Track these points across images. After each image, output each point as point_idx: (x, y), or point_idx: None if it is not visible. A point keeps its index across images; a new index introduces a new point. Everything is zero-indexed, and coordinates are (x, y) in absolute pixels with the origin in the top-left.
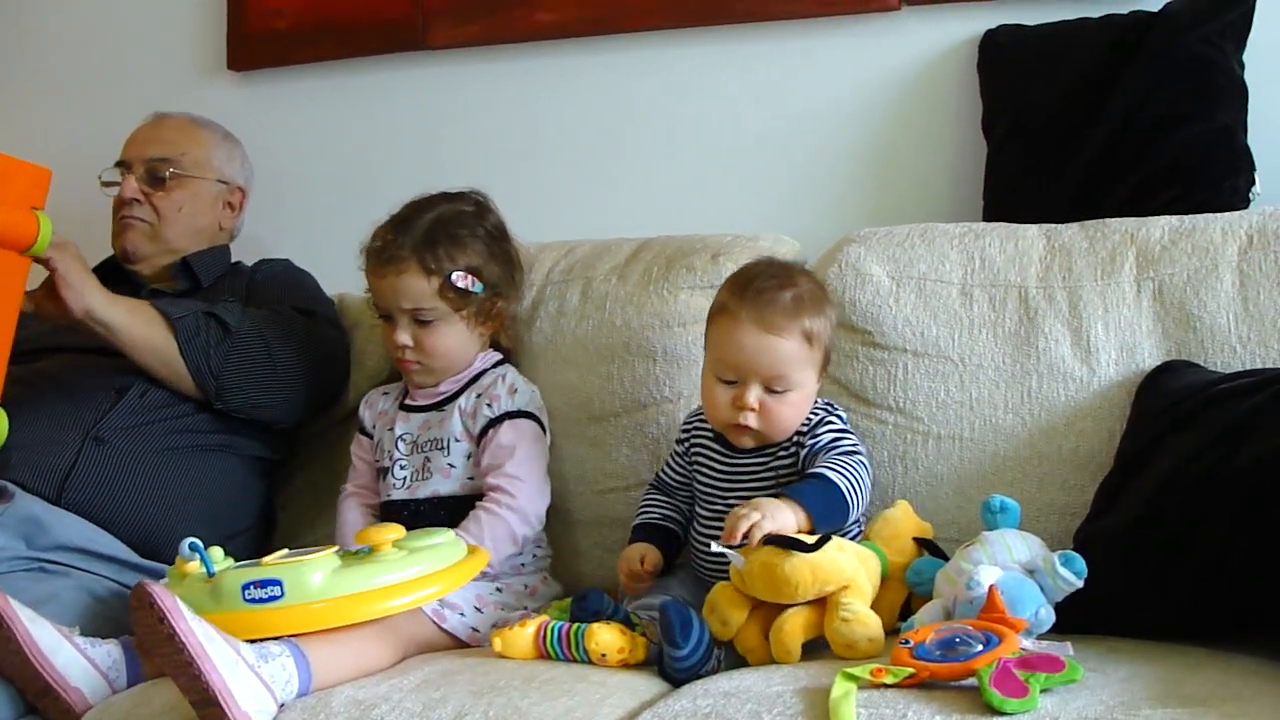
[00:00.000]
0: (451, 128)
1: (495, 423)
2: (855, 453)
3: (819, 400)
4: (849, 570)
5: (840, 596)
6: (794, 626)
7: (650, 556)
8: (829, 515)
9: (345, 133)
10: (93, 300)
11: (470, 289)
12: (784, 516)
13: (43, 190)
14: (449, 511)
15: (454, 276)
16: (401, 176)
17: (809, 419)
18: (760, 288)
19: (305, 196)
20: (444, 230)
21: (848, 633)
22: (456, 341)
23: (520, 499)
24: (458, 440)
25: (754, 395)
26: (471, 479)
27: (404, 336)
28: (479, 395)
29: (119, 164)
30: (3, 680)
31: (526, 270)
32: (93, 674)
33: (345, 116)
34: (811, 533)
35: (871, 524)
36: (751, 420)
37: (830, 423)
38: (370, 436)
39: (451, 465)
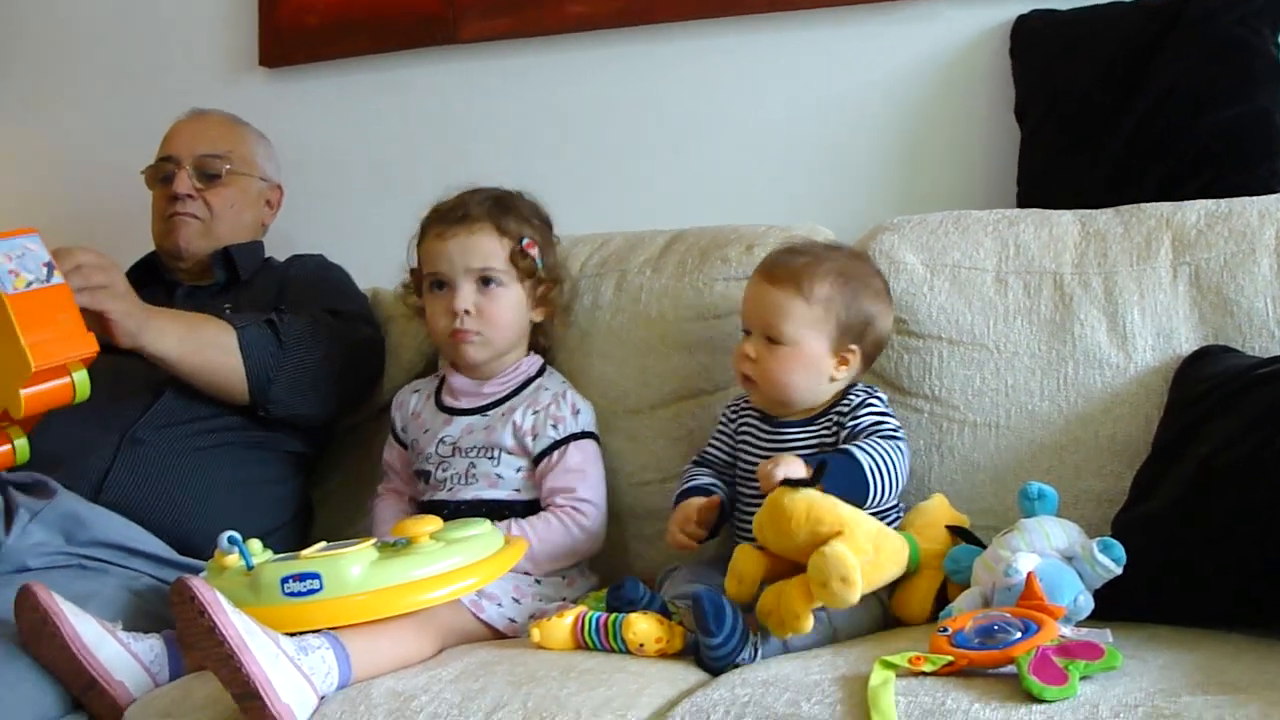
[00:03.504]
0: (482, 121)
1: (562, 444)
2: (893, 438)
3: (860, 384)
4: (845, 514)
5: (830, 538)
6: (794, 586)
7: (708, 504)
8: (844, 487)
9: (377, 127)
10: (144, 339)
11: (536, 259)
12: (797, 468)
13: (88, 361)
14: (490, 513)
15: (524, 241)
16: (433, 171)
17: (849, 399)
18: (787, 249)
19: (337, 192)
20: (511, 203)
21: (821, 566)
22: (516, 315)
23: (590, 521)
24: (510, 453)
25: (751, 345)
26: (518, 490)
27: (466, 301)
28: (536, 412)
29: (165, 159)
30: (49, 675)
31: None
32: (136, 668)
33: (376, 111)
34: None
35: (906, 515)
36: (749, 370)
37: (871, 405)
38: (404, 444)
39: (500, 476)
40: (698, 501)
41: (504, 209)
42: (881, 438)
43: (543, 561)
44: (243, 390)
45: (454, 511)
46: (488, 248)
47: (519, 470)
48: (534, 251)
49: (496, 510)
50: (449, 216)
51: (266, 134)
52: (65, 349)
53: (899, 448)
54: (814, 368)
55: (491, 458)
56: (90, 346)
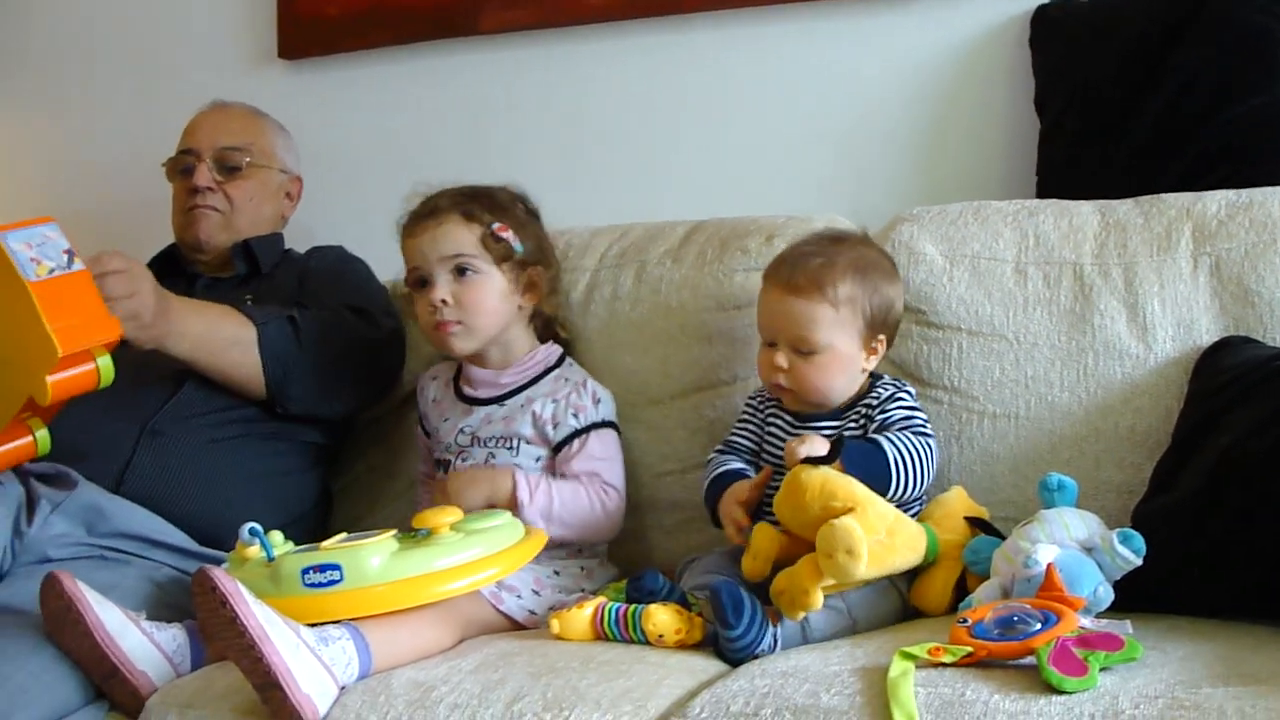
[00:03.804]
0: (502, 112)
1: (583, 432)
2: (923, 434)
3: (886, 377)
4: (859, 493)
5: (840, 511)
6: (805, 563)
7: (757, 482)
8: (864, 471)
9: (396, 119)
10: (163, 345)
11: (511, 242)
12: (820, 446)
13: (112, 345)
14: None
15: (494, 226)
16: (453, 163)
17: (878, 392)
18: (798, 252)
19: (357, 184)
20: (482, 192)
21: (829, 537)
22: (497, 300)
23: (614, 505)
24: (529, 443)
25: (782, 356)
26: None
27: (442, 291)
28: (556, 401)
29: (185, 152)
30: (72, 664)
31: (561, 263)
32: (158, 657)
33: (396, 103)
34: None
35: (925, 507)
36: (783, 380)
37: (900, 399)
38: (427, 431)
39: (518, 466)
40: (746, 482)
41: (471, 198)
42: (913, 433)
43: (557, 526)
44: (260, 389)
45: None
46: (457, 236)
47: (538, 460)
48: (507, 235)
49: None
50: (418, 214)
51: (286, 126)
52: (90, 334)
53: (928, 444)
54: (849, 367)
55: (510, 448)
56: (114, 331)
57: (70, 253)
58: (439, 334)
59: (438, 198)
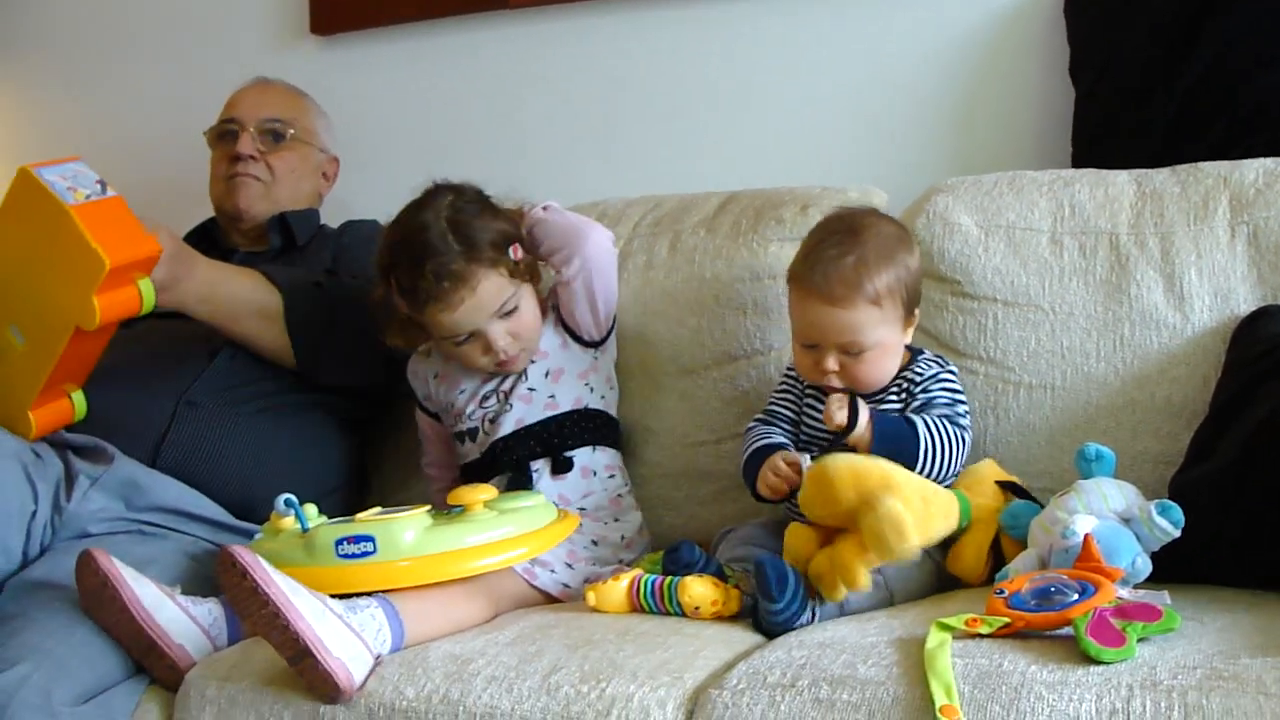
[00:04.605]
0: (535, 86)
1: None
2: (960, 426)
3: (928, 352)
4: (889, 469)
5: (879, 494)
6: (847, 546)
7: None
8: (892, 448)
9: (429, 94)
10: (184, 305)
11: (520, 256)
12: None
13: (151, 264)
14: (537, 441)
15: (511, 252)
16: (486, 137)
17: (920, 370)
18: (823, 255)
19: (389, 158)
20: (461, 225)
21: (875, 527)
22: (537, 309)
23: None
24: (533, 361)
25: (832, 360)
26: (553, 398)
27: (501, 340)
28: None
29: (228, 120)
30: (110, 640)
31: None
32: (195, 631)
33: (428, 78)
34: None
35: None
36: (835, 381)
37: (944, 380)
38: (432, 415)
39: (531, 389)
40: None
41: (469, 242)
42: (951, 422)
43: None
44: (290, 357)
45: (503, 448)
46: (495, 288)
47: (546, 374)
48: (518, 254)
49: (542, 437)
50: (435, 292)
51: (318, 101)
52: (132, 249)
53: (963, 437)
54: (897, 350)
55: (522, 377)
56: (154, 246)
57: (103, 183)
58: (502, 368)
59: (444, 261)
